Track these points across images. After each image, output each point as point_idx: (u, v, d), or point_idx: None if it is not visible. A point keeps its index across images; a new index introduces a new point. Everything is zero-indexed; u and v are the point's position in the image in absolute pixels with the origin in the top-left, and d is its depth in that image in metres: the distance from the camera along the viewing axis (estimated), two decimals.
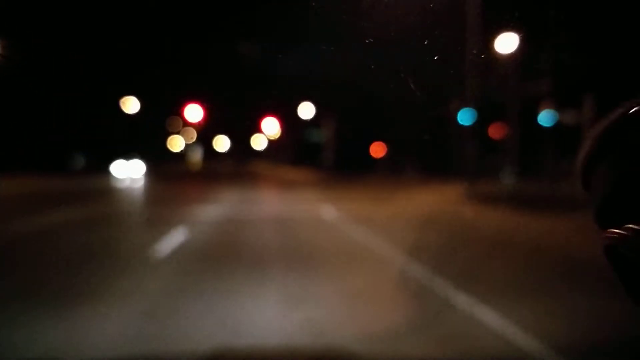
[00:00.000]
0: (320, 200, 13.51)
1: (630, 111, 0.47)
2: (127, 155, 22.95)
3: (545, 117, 15.26)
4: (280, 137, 33.14)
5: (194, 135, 37.06)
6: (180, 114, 31.18)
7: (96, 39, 20.87)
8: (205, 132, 36.29)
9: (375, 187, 18.23)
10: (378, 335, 3.46)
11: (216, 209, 11.43)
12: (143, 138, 34.97)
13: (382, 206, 12.29)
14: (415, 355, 3.04)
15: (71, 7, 18.99)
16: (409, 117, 17.49)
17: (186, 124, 34.49)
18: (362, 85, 19.61)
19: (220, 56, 31.40)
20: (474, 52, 12.41)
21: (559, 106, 14.96)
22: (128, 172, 22.27)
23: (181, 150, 37.25)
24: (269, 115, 27.74)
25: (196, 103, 25.31)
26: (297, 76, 25.28)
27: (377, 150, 24.97)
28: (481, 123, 15.64)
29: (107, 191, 17.05)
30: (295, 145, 33.87)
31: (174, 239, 7.37)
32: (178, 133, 36.29)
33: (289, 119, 29.00)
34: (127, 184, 19.93)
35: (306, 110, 25.08)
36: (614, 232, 0.45)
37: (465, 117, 15.05)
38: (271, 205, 14.00)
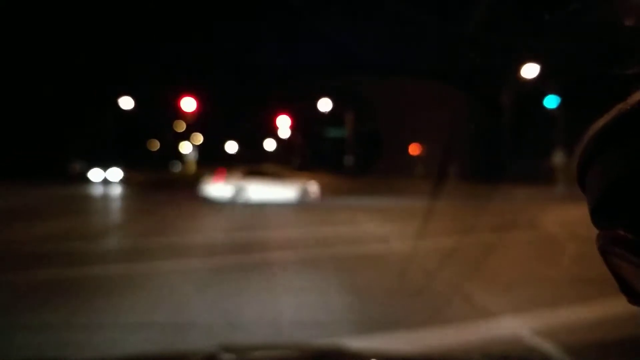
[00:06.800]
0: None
1: (626, 111, 0.44)
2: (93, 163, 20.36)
3: None
4: (290, 138, 29.68)
5: (200, 139, 35.65)
6: (184, 118, 28.87)
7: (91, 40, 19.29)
8: (212, 136, 34.82)
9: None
10: None
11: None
12: (143, 142, 33.07)
13: None
14: (415, 354, 2.58)
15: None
16: (454, 105, 14.10)
17: (190, 127, 32.52)
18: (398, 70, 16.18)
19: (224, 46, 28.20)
20: None
21: None
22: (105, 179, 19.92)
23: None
24: (282, 114, 24.14)
25: (192, 96, 21.96)
26: (316, 63, 21.91)
27: (414, 149, 21.18)
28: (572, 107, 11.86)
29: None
30: (309, 146, 30.19)
31: None
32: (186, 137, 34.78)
33: (302, 117, 25.46)
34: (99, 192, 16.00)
35: (326, 104, 21.34)
36: (609, 232, 0.45)
37: (551, 99, 11.31)
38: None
